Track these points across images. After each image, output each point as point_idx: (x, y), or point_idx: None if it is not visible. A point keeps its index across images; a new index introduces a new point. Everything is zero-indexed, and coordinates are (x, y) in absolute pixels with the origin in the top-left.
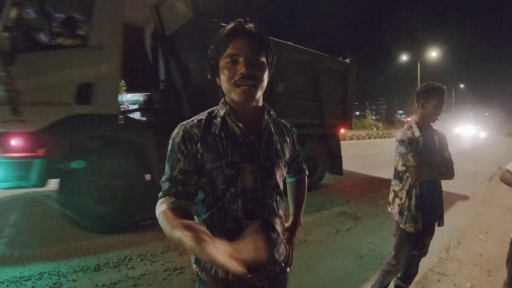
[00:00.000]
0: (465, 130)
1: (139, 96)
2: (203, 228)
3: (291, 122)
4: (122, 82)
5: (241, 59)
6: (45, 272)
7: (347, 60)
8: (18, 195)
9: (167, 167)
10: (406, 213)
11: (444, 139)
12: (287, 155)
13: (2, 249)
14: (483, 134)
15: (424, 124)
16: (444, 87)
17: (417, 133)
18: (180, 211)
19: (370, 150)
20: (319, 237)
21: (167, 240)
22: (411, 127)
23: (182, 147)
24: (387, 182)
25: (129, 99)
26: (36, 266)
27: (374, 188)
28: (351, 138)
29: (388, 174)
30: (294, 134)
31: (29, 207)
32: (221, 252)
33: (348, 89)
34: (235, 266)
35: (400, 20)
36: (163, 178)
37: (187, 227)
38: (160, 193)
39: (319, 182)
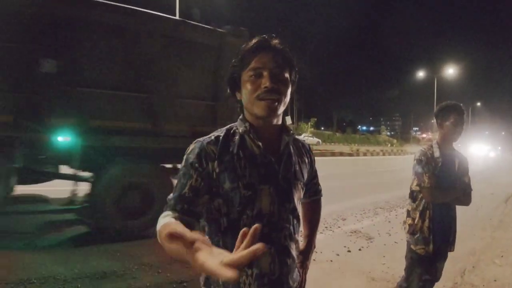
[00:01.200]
0: (477, 150)
1: None
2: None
3: (71, 124)
4: None
5: (265, 73)
6: (50, 277)
7: (225, 30)
8: (30, 194)
9: (177, 184)
10: (418, 234)
11: (466, 163)
12: (305, 176)
13: (8, 251)
14: (492, 154)
15: (445, 145)
16: (461, 105)
17: (437, 153)
18: (184, 224)
19: (389, 167)
20: (330, 257)
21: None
22: (431, 146)
23: (196, 164)
24: (402, 201)
25: None
26: (41, 270)
27: (388, 206)
28: (365, 154)
29: (402, 193)
30: (312, 154)
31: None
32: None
33: (222, 74)
34: (226, 273)
35: (418, 35)
36: (171, 195)
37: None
38: (164, 208)
39: (151, 229)
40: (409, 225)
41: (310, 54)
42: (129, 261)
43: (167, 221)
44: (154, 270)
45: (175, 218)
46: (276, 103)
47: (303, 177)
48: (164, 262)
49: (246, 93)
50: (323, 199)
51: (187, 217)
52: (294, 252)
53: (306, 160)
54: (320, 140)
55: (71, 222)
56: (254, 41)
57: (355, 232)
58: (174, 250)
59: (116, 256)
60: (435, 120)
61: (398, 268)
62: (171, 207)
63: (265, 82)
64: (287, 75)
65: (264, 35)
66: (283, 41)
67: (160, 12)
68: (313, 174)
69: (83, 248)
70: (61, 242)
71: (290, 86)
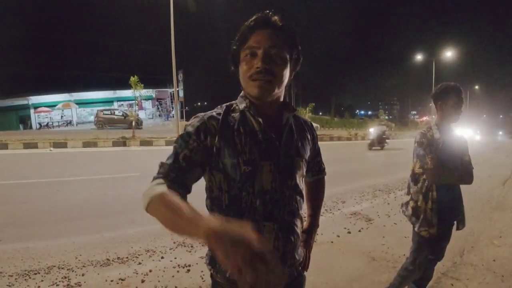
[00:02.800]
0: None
1: (152, 92)
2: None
3: None
4: (136, 78)
5: (259, 52)
6: (54, 266)
7: None
8: (30, 185)
9: (172, 152)
10: (421, 216)
11: (465, 143)
12: (308, 153)
13: (12, 242)
14: (478, 138)
15: (444, 126)
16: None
17: (437, 135)
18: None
19: (388, 150)
20: (331, 238)
21: (176, 237)
22: (430, 128)
23: (194, 136)
24: (400, 184)
25: (143, 94)
26: (45, 259)
27: (387, 189)
28: (363, 138)
29: (400, 176)
30: (315, 131)
31: (40, 199)
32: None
33: None
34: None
35: (415, 19)
36: (164, 160)
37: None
38: (155, 174)
39: None
40: (412, 208)
41: (309, 39)
42: (133, 248)
43: (163, 189)
44: (158, 256)
45: (169, 187)
46: (268, 85)
47: (305, 153)
48: (166, 247)
49: (242, 72)
50: None
51: (179, 188)
52: (298, 229)
53: (309, 137)
54: (318, 125)
55: (76, 212)
56: (253, 17)
57: (354, 214)
58: (170, 220)
59: (120, 243)
60: (433, 102)
61: (398, 248)
62: (164, 174)
63: (257, 63)
64: (285, 54)
65: (267, 11)
66: (285, 17)
67: (155, 2)
68: (316, 152)
69: (87, 236)
70: (66, 231)
71: (289, 65)
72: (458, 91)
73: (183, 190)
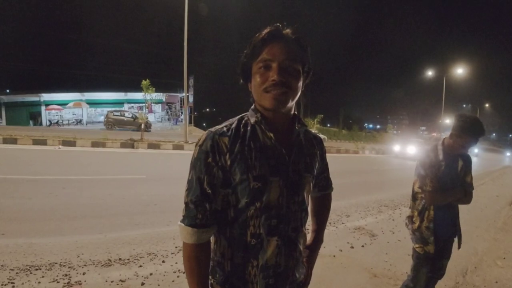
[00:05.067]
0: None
1: (162, 96)
2: None
3: None
4: (147, 82)
5: (274, 65)
6: (56, 263)
7: None
8: (36, 181)
9: (192, 178)
10: (417, 233)
11: (469, 163)
12: (316, 169)
13: (15, 237)
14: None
15: (450, 149)
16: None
17: (440, 156)
18: (204, 257)
19: (395, 165)
20: (333, 252)
21: (179, 241)
22: (436, 148)
23: (210, 159)
24: (406, 200)
25: (153, 98)
26: (47, 256)
27: (393, 204)
28: (370, 152)
29: (406, 191)
30: (324, 147)
31: (46, 196)
32: None
33: None
34: None
35: (427, 34)
36: (190, 191)
37: None
38: (184, 212)
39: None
40: (411, 223)
41: (318, 50)
42: (135, 250)
43: (192, 254)
44: (159, 259)
45: (200, 251)
46: (284, 96)
47: (313, 169)
48: (168, 251)
49: (255, 84)
50: None
51: (209, 229)
52: (301, 246)
53: (318, 153)
54: (326, 137)
55: (80, 211)
56: (265, 30)
57: (358, 228)
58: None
59: (122, 245)
60: (452, 126)
61: (400, 265)
62: (192, 219)
63: (273, 75)
64: (298, 67)
65: (278, 24)
66: (297, 30)
67: (169, 6)
68: (324, 168)
69: (89, 236)
70: (69, 229)
71: (302, 78)
72: (476, 136)
73: (213, 224)
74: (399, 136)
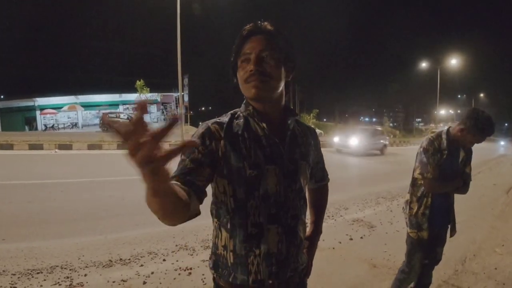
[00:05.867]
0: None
1: (157, 96)
2: None
3: None
4: (141, 82)
5: (252, 57)
6: (57, 266)
7: None
8: (34, 186)
9: (180, 159)
10: (412, 219)
11: (470, 154)
12: (311, 158)
13: (16, 242)
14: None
15: (454, 139)
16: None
17: (444, 145)
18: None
19: (392, 158)
20: (332, 244)
21: (179, 240)
22: (440, 136)
23: (200, 141)
24: (403, 191)
25: (149, 97)
26: (48, 259)
27: (390, 196)
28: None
29: (404, 183)
30: (318, 137)
31: (44, 200)
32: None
33: None
34: None
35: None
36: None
37: None
38: None
39: None
40: (406, 209)
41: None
42: (136, 250)
43: None
44: (160, 258)
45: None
46: (263, 84)
47: (309, 158)
48: (169, 249)
49: (239, 78)
50: None
51: (185, 186)
52: (301, 233)
53: (312, 142)
54: (322, 132)
55: (79, 213)
56: (246, 27)
57: (357, 220)
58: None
59: (122, 245)
60: (461, 118)
61: (399, 255)
62: (174, 177)
63: (250, 66)
64: (277, 55)
65: (258, 21)
66: (275, 22)
67: (161, 6)
68: (319, 158)
69: (90, 237)
70: (69, 232)
71: (283, 66)
72: (486, 135)
73: (189, 187)
74: (344, 125)
